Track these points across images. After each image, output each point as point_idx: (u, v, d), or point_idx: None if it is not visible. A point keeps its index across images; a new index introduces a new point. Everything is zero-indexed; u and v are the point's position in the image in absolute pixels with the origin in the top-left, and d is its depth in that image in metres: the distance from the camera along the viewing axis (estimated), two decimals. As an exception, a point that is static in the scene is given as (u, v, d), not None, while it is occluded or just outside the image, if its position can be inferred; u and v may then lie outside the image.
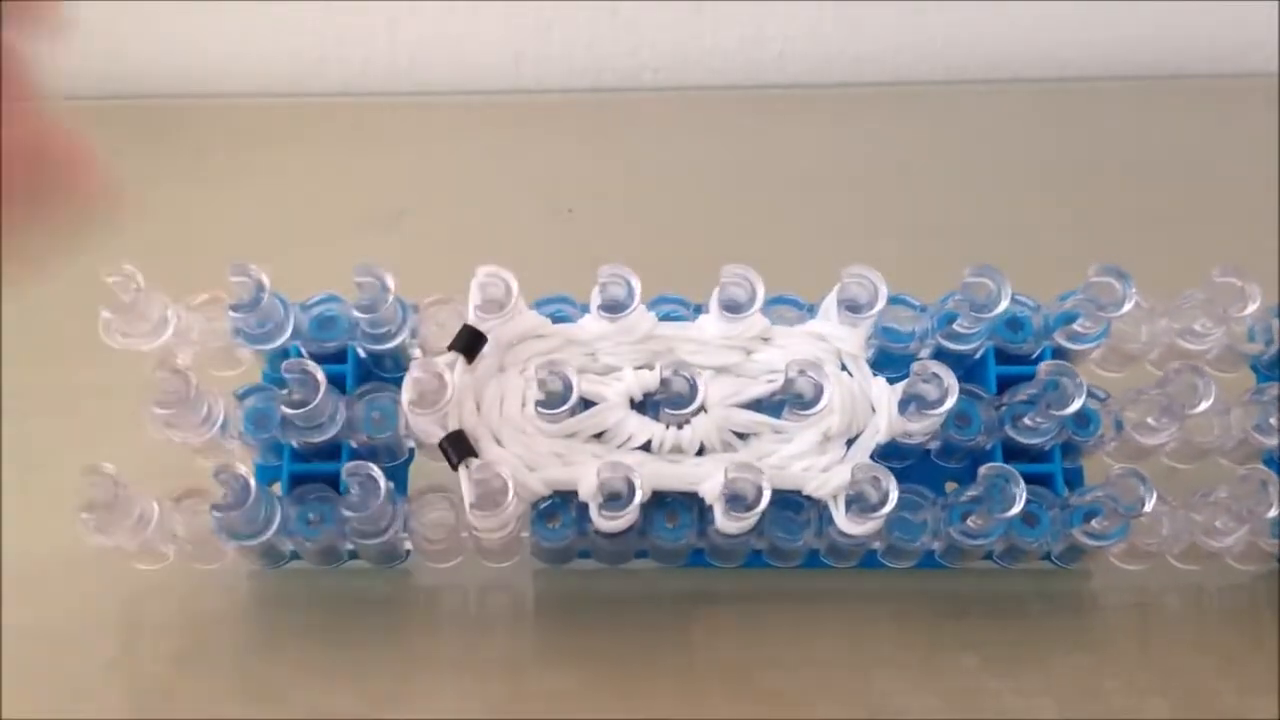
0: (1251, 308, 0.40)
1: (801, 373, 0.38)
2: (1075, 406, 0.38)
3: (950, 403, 0.38)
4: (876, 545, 0.42)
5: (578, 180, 0.56)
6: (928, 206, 0.55)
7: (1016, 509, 0.37)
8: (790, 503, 0.40)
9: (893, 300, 0.42)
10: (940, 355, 0.42)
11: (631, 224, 0.53)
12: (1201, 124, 0.58)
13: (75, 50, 0.58)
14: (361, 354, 0.42)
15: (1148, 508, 0.37)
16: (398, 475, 0.42)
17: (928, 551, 0.42)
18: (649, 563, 0.43)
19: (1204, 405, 0.39)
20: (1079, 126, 0.58)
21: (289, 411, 0.38)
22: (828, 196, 0.56)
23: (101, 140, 0.57)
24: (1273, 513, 0.38)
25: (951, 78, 0.61)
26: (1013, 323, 0.43)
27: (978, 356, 0.43)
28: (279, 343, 0.41)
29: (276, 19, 0.59)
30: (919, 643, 0.43)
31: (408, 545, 0.41)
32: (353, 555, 0.43)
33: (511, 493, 0.37)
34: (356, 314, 0.40)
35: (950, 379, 0.38)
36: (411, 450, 0.43)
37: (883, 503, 0.37)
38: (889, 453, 0.42)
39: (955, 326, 0.41)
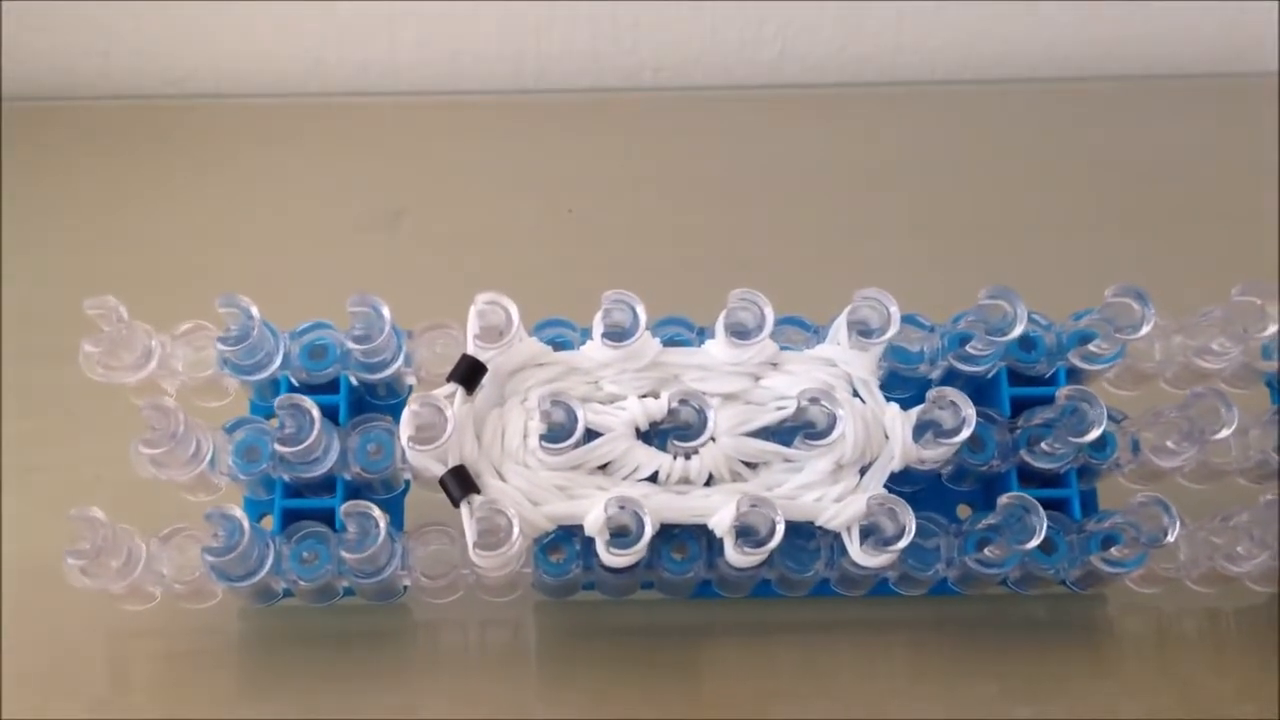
0: (1272, 329, 0.39)
1: (814, 401, 0.37)
2: (1095, 434, 0.37)
3: (967, 432, 0.37)
4: (889, 574, 0.41)
5: (578, 180, 0.55)
6: (928, 206, 0.54)
7: (1036, 540, 0.36)
8: (802, 532, 0.39)
9: (902, 320, 0.41)
10: (952, 376, 0.41)
11: (631, 224, 0.52)
12: (1201, 124, 0.58)
13: (76, 50, 0.57)
14: (354, 382, 0.41)
15: (1170, 538, 0.36)
16: (394, 507, 0.41)
17: (941, 579, 0.41)
18: (654, 594, 0.42)
19: (1226, 432, 0.38)
20: (1079, 126, 0.58)
21: (282, 449, 0.37)
22: (828, 196, 0.55)
23: (102, 140, 0.56)
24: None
25: (951, 78, 0.60)
26: (1025, 342, 0.42)
27: (989, 377, 0.42)
28: (268, 373, 0.40)
29: (276, 19, 0.57)
30: (935, 672, 0.42)
31: (405, 582, 0.40)
32: (348, 592, 0.41)
33: (517, 531, 0.36)
34: (351, 344, 0.39)
35: (968, 408, 0.37)
36: (407, 482, 0.41)
37: (899, 535, 0.36)
38: (900, 477, 0.40)
39: (968, 348, 0.40)
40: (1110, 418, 0.41)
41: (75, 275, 0.50)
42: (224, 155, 0.56)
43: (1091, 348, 0.41)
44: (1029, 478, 0.40)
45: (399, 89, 0.60)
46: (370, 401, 0.42)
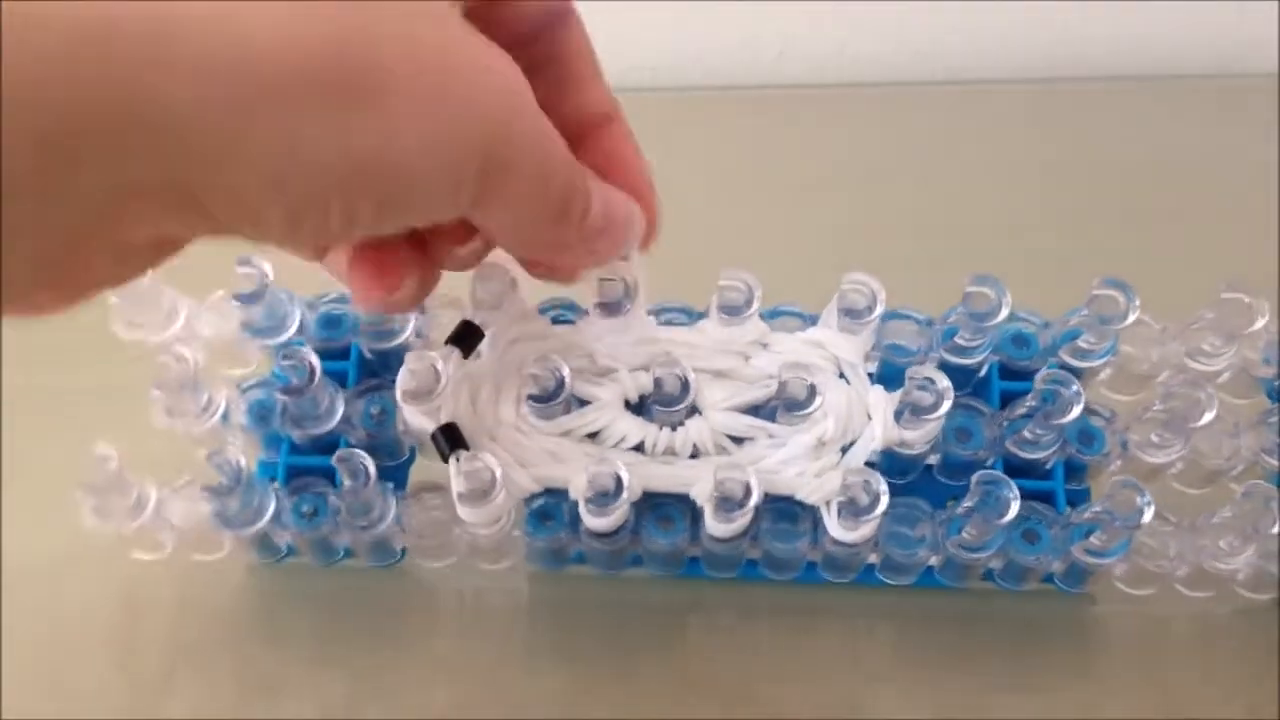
0: (1260, 322, 0.39)
1: (795, 374, 0.38)
2: (1073, 415, 0.38)
3: (945, 406, 0.37)
4: (873, 559, 0.41)
5: None
6: (927, 206, 0.55)
7: (1011, 514, 0.37)
8: (785, 512, 0.39)
9: (896, 315, 0.42)
10: (945, 370, 0.42)
11: None
12: (1201, 124, 0.58)
13: None
14: (366, 354, 0.43)
15: (1146, 518, 0.36)
16: (398, 475, 0.42)
17: (927, 568, 0.42)
18: (645, 572, 0.43)
19: (1208, 418, 0.38)
20: (1079, 126, 0.58)
21: (283, 398, 0.39)
22: (827, 196, 0.55)
23: None
24: (1276, 528, 0.37)
25: (951, 78, 0.61)
26: (1018, 339, 0.43)
27: (982, 373, 0.42)
28: (284, 337, 0.42)
29: None
30: (919, 661, 0.42)
31: (402, 543, 0.41)
32: (348, 554, 0.43)
33: (500, 485, 0.37)
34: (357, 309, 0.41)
35: (945, 383, 0.38)
36: (413, 450, 0.43)
37: (874, 507, 0.37)
38: (891, 469, 0.41)
39: (957, 340, 0.41)
40: (1098, 414, 0.41)
41: None
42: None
43: (1080, 343, 0.41)
44: (1018, 471, 0.41)
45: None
46: (383, 376, 0.43)
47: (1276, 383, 0.42)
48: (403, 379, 0.38)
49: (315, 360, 0.39)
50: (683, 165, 0.56)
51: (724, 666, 0.42)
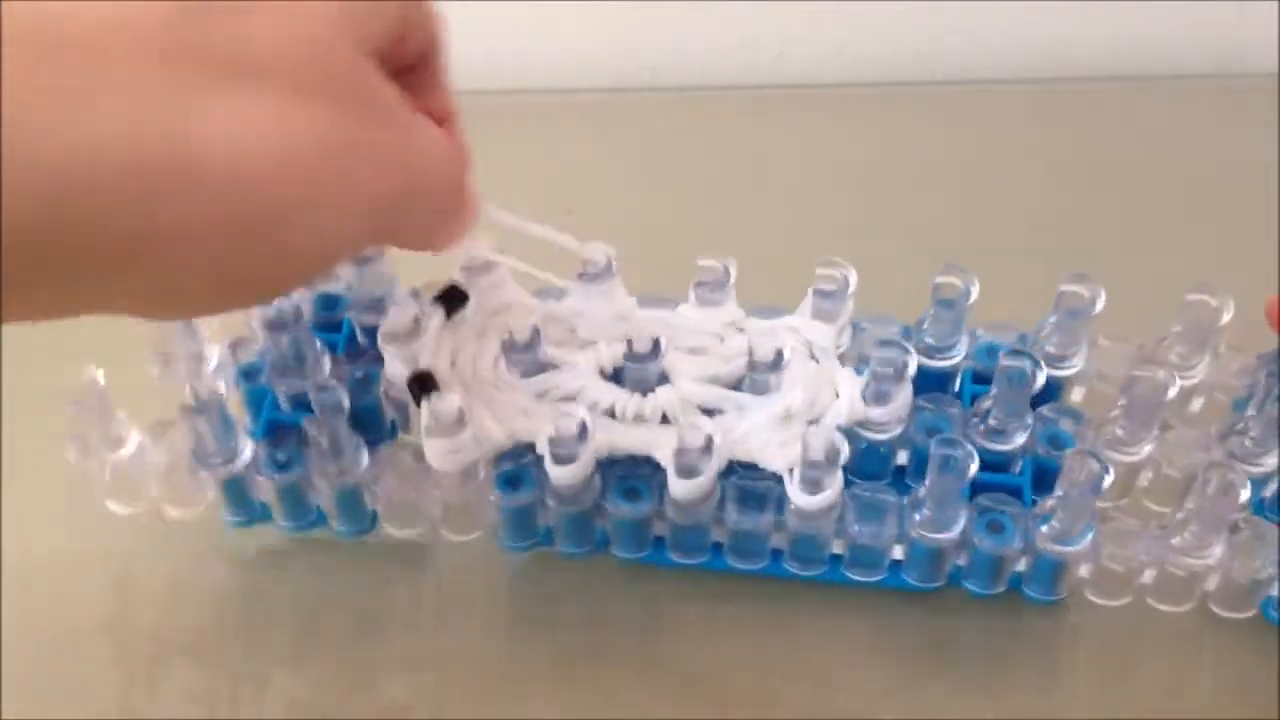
0: (1226, 318, 0.40)
1: (763, 341, 0.39)
2: (1036, 386, 0.38)
3: (910, 371, 0.38)
4: (839, 549, 0.41)
5: (578, 180, 0.57)
6: (927, 206, 0.55)
7: (970, 473, 0.37)
8: (750, 492, 0.40)
9: (875, 320, 0.43)
10: (919, 374, 0.42)
11: (631, 224, 0.53)
12: (1201, 124, 0.58)
13: None
14: (360, 335, 0.45)
15: (1106, 483, 0.36)
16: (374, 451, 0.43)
17: (895, 567, 0.41)
18: (614, 558, 0.42)
19: (1172, 393, 0.38)
20: (1079, 126, 0.58)
21: (266, 322, 0.40)
22: (827, 196, 0.56)
23: None
24: (1244, 497, 0.36)
25: (951, 78, 0.62)
26: (991, 350, 0.43)
27: (957, 379, 0.43)
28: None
29: None
30: (887, 664, 0.41)
31: (373, 503, 0.42)
32: (322, 519, 0.43)
33: (467, 423, 0.38)
34: (348, 272, 0.42)
35: (908, 356, 0.39)
36: (394, 425, 0.44)
37: (834, 465, 0.37)
38: (862, 470, 0.42)
39: (929, 339, 0.42)
40: (1069, 415, 0.42)
41: None
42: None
43: (1049, 348, 0.42)
44: (986, 466, 0.41)
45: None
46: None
47: (1244, 393, 0.42)
48: (385, 322, 0.40)
49: (302, 310, 0.41)
50: (683, 165, 0.58)
51: (697, 660, 0.41)
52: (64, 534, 0.44)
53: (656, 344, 0.39)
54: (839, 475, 0.38)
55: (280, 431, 0.42)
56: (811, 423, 0.40)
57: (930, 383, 0.42)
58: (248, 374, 0.43)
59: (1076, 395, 0.44)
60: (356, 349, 0.44)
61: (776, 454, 0.39)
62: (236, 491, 0.42)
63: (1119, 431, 0.40)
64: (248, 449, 0.41)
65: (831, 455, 0.37)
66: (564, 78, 0.63)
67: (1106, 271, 0.41)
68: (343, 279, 0.44)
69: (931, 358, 0.42)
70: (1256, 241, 0.51)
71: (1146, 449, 0.40)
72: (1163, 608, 0.41)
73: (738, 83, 0.63)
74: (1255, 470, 0.40)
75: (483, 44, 0.62)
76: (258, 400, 0.43)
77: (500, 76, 0.61)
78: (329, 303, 0.45)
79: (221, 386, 0.42)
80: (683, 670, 0.41)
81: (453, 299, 0.41)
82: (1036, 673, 0.41)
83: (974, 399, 0.42)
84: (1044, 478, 0.41)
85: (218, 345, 0.43)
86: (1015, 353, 0.39)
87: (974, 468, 0.37)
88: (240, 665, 0.42)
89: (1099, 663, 0.41)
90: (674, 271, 0.43)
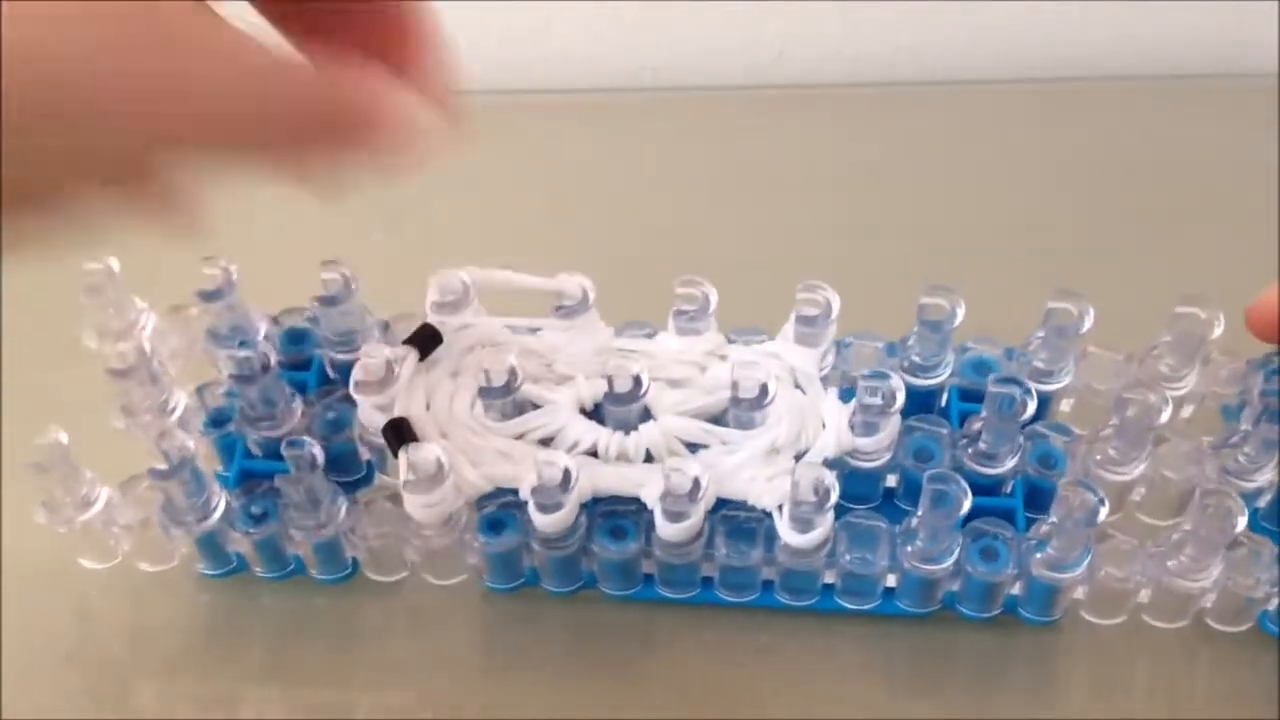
0: (1217, 331, 0.39)
1: (746, 373, 0.38)
2: (1028, 413, 0.38)
3: (898, 402, 0.37)
4: (831, 579, 0.40)
5: (578, 180, 0.56)
6: (927, 206, 0.55)
7: (963, 510, 0.36)
8: (740, 526, 0.39)
9: (860, 337, 0.42)
10: (909, 395, 0.41)
11: (630, 224, 0.53)
12: (1201, 124, 0.57)
13: None
14: (330, 371, 0.43)
15: (1102, 515, 0.35)
16: (353, 494, 0.42)
17: (887, 592, 0.41)
18: (601, 594, 0.42)
19: (1165, 415, 0.37)
20: (1079, 126, 0.58)
21: (234, 375, 0.39)
22: (827, 196, 0.55)
23: None
24: (1242, 524, 0.36)
25: (951, 78, 0.61)
26: (979, 365, 0.43)
27: (943, 398, 0.42)
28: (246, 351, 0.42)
29: None
30: (879, 683, 0.40)
31: (352, 551, 0.41)
32: (300, 567, 0.42)
33: (447, 473, 0.37)
34: (319, 308, 0.41)
35: (896, 383, 0.38)
36: (370, 467, 0.43)
37: (824, 503, 0.36)
38: (851, 494, 0.41)
39: (914, 357, 0.41)
40: (1061, 432, 0.41)
41: (76, 274, 0.51)
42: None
43: (1037, 363, 0.41)
44: (978, 491, 0.40)
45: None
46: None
47: (1236, 403, 0.41)
48: (357, 370, 0.39)
49: (271, 352, 0.39)
50: (683, 165, 0.57)
51: (687, 687, 0.41)
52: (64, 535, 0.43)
53: (638, 381, 0.38)
54: (830, 513, 0.37)
55: (254, 481, 0.40)
56: (799, 456, 0.39)
57: (916, 401, 0.42)
58: (217, 420, 0.42)
59: (1065, 406, 0.43)
60: (328, 386, 0.43)
61: (764, 490, 0.38)
62: (211, 545, 0.41)
63: (1111, 451, 0.39)
64: (221, 504, 0.39)
65: (822, 494, 0.36)
66: (564, 78, 0.62)
67: (1106, 271, 0.40)
68: (311, 312, 0.43)
69: (917, 376, 0.41)
70: (1256, 241, 0.50)
71: (1139, 469, 0.39)
72: (1159, 625, 0.40)
73: (738, 83, 0.62)
74: (1249, 485, 0.40)
75: (483, 44, 0.61)
76: (229, 448, 0.42)
77: (500, 76, 0.60)
78: (296, 338, 0.44)
79: (190, 438, 0.41)
80: (671, 690, 0.40)
81: (426, 340, 0.40)
82: (1031, 691, 0.40)
83: (962, 417, 0.41)
84: (1036, 497, 0.41)
85: (184, 392, 0.42)
86: (1005, 380, 0.38)
87: (967, 503, 0.36)
88: (205, 691, 0.41)
89: (1094, 679, 0.40)
90: (674, 272, 0.42)
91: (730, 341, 0.42)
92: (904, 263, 0.42)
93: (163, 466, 0.37)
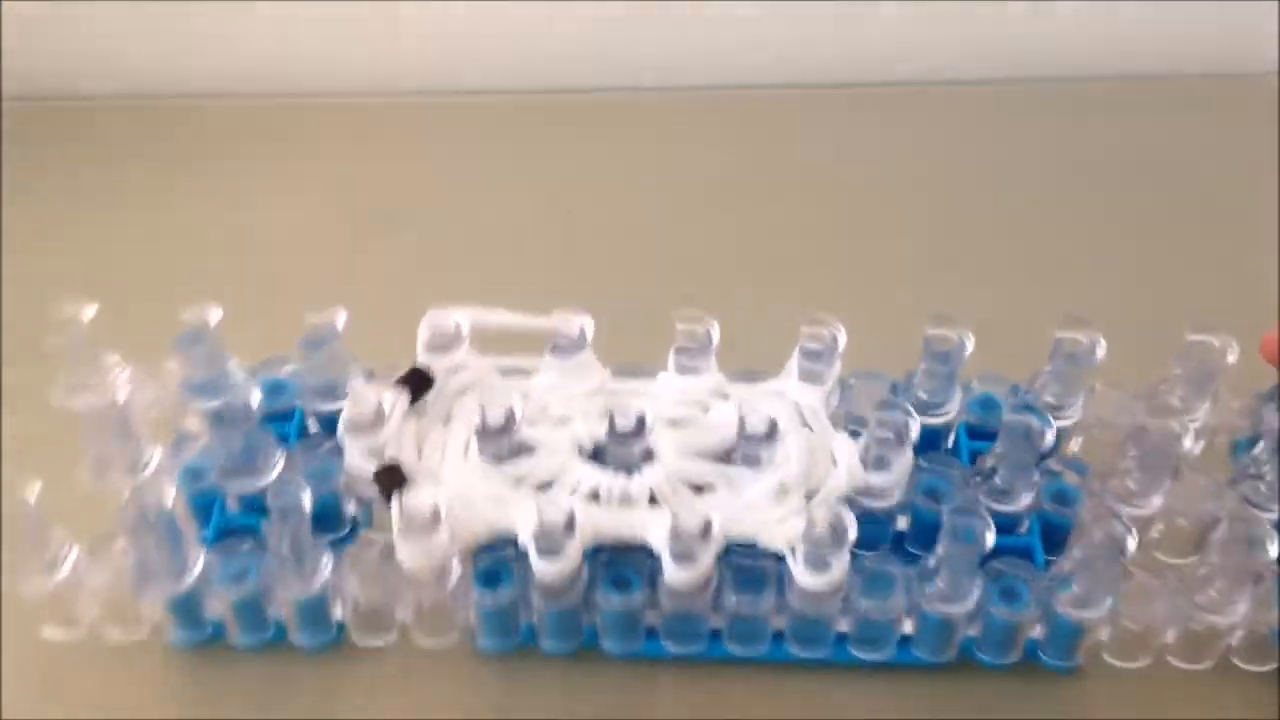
0: (1231, 358, 0.38)
1: (753, 412, 0.37)
2: (1045, 442, 0.36)
3: (912, 435, 0.36)
4: (844, 627, 0.39)
5: (578, 180, 0.55)
6: (927, 206, 0.54)
7: (987, 543, 0.35)
8: (749, 572, 0.37)
9: (866, 375, 0.41)
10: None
11: (631, 224, 0.52)
12: (1201, 124, 0.58)
13: (76, 50, 0.59)
14: (311, 424, 0.41)
15: (1130, 547, 0.34)
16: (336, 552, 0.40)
17: (903, 641, 0.39)
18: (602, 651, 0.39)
19: (1188, 444, 0.36)
20: (1079, 126, 0.58)
21: (213, 423, 0.37)
22: (827, 196, 0.55)
23: (102, 140, 0.56)
24: (1273, 551, 0.34)
25: (951, 78, 0.61)
26: (985, 402, 0.42)
27: (951, 436, 0.41)
28: (224, 396, 0.40)
29: (277, 19, 0.59)
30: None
31: (339, 612, 0.39)
32: (281, 634, 0.39)
33: (442, 520, 0.35)
34: (302, 356, 0.39)
35: (908, 419, 0.36)
36: (355, 522, 0.41)
37: (841, 542, 0.35)
38: (862, 540, 0.39)
39: (920, 394, 0.40)
40: (1074, 468, 0.40)
41: (76, 275, 0.50)
42: (223, 155, 0.56)
43: (1048, 398, 0.40)
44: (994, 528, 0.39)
45: (399, 89, 0.61)
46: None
47: (1247, 437, 0.40)
48: (347, 412, 0.37)
49: (253, 402, 0.37)
50: (683, 165, 0.56)
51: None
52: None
53: (641, 420, 0.37)
54: (846, 553, 0.35)
55: (233, 538, 0.38)
56: (810, 495, 0.37)
57: (923, 440, 0.40)
58: (193, 475, 0.40)
59: (1074, 445, 0.42)
60: (309, 440, 0.41)
61: (775, 531, 0.36)
62: (185, 609, 0.38)
63: (1130, 484, 0.38)
64: (198, 564, 0.37)
65: (839, 532, 0.35)
66: (564, 78, 0.62)
67: (1106, 271, 0.39)
68: (292, 363, 0.41)
69: (924, 414, 0.40)
70: (1256, 242, 0.50)
71: (1157, 501, 0.38)
72: (1184, 666, 0.39)
73: (738, 83, 0.62)
74: (1269, 516, 0.38)
75: (483, 44, 0.61)
76: (205, 504, 0.40)
77: (499, 76, 0.60)
78: (276, 388, 0.42)
79: (164, 494, 0.39)
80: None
81: (417, 382, 0.38)
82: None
83: (973, 456, 0.40)
84: (1053, 535, 0.39)
85: (157, 446, 0.39)
86: (1023, 407, 0.37)
87: (991, 536, 0.35)
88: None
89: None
90: (674, 271, 0.41)
91: (731, 381, 0.40)
92: (904, 265, 0.41)
93: (130, 527, 0.35)
